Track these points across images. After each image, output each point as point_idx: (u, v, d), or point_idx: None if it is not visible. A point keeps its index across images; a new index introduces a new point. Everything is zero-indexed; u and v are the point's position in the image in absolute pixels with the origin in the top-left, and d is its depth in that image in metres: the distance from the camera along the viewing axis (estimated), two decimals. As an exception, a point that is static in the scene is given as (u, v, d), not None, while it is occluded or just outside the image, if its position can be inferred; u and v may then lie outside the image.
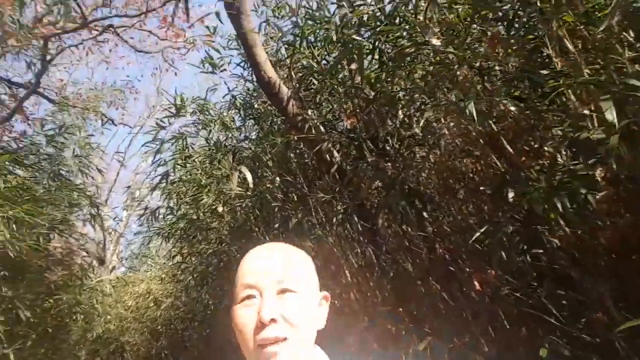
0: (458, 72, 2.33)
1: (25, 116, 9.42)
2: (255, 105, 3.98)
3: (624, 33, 1.63)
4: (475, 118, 1.67)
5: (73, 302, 5.58)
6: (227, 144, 3.93)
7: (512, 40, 1.95)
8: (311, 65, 3.03)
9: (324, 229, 2.86)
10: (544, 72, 1.81)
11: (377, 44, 2.74)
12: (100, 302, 8.82)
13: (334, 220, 2.84)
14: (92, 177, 6.52)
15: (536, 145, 1.91)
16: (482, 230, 1.71)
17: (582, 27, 1.63)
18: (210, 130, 4.56)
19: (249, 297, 0.73)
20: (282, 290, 0.72)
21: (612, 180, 1.67)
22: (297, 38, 3.11)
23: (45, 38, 6.08)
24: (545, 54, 1.80)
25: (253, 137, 3.94)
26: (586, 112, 1.64)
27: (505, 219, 1.82)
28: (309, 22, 2.96)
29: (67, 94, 9.18)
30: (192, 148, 4.77)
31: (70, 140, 5.98)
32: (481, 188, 1.94)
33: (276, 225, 3.30)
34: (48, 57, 6.78)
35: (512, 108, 1.72)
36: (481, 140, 2.04)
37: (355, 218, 2.94)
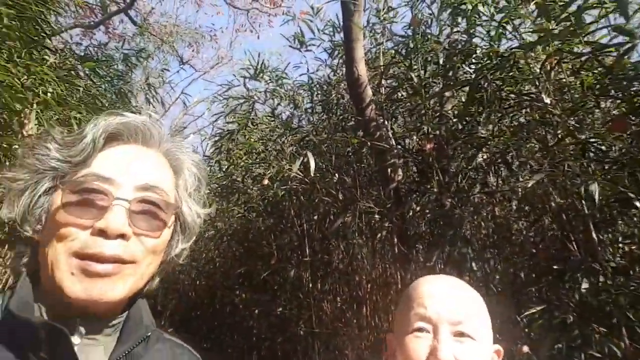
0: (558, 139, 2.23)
1: (107, 29, 9.76)
2: (332, 96, 3.95)
3: None
4: (597, 200, 1.58)
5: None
6: (293, 122, 3.94)
7: (634, 126, 1.84)
8: (406, 77, 2.97)
9: (364, 240, 2.83)
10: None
11: (480, 79, 2.66)
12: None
13: (378, 235, 2.80)
14: (154, 107, 6.72)
15: (626, 241, 1.81)
16: (540, 308, 1.63)
17: None
18: (279, 104, 4.60)
19: (420, 329, 0.69)
20: (460, 333, 0.68)
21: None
22: (401, 47, 3.06)
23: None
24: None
25: (319, 125, 3.92)
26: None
27: (563, 304, 1.73)
28: (420, 36, 2.90)
29: (152, 22, 9.44)
30: (256, 114, 4.82)
31: (145, 66, 6.17)
32: (554, 266, 1.85)
33: (315, 217, 3.29)
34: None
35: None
36: (564, 216, 1.94)
37: (396, 239, 2.90)
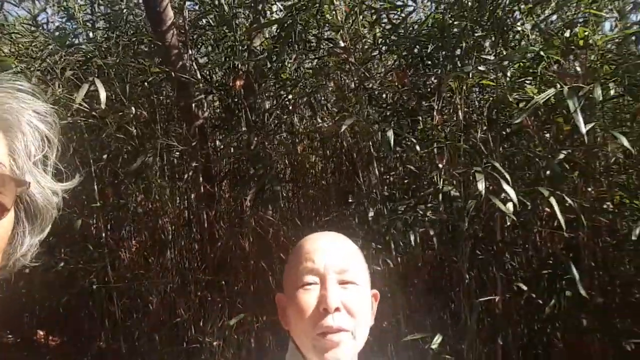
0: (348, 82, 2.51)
1: None
2: (121, 8, 3.30)
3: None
4: (391, 144, 1.83)
5: None
6: (68, 37, 3.13)
7: (408, 80, 2.22)
8: (213, 3, 2.71)
9: (167, 180, 2.62)
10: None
11: (286, 17, 2.67)
12: None
13: (184, 176, 2.63)
14: None
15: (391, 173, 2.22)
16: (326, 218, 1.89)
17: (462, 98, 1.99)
18: (45, 9, 3.57)
19: (309, 282, 0.70)
20: (344, 281, 0.71)
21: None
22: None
23: None
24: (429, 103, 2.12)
25: (104, 44, 3.23)
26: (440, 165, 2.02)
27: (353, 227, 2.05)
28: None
29: None
30: (6, 18, 3.63)
31: None
32: (347, 197, 2.14)
33: (104, 156, 2.84)
34: None
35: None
36: (354, 154, 2.24)
37: (201, 179, 2.80)
